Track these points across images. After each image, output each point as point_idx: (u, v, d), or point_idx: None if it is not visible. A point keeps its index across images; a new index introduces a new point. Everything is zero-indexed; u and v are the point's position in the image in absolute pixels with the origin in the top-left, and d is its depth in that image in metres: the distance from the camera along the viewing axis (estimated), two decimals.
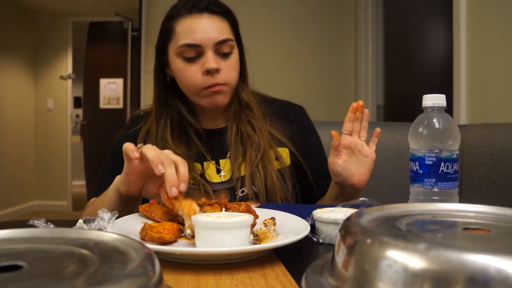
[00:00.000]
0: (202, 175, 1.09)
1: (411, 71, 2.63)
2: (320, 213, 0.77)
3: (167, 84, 1.14)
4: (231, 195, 1.08)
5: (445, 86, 1.96)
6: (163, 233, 0.67)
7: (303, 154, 1.15)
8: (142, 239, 0.68)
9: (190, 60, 1.05)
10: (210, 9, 1.06)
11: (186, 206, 0.73)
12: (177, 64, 1.07)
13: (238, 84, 1.13)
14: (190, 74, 1.05)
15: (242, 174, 1.09)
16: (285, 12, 3.30)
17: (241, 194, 1.08)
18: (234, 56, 1.09)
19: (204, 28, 1.04)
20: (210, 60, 1.03)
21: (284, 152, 1.14)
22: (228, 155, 1.12)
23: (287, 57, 3.34)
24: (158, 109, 1.13)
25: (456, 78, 1.86)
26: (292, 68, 3.34)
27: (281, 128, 1.15)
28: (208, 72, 1.04)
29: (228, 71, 1.07)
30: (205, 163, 1.11)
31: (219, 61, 1.05)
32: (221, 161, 1.12)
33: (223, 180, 1.10)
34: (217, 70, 1.04)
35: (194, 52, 1.04)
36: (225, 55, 1.07)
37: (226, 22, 1.08)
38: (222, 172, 1.11)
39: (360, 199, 0.89)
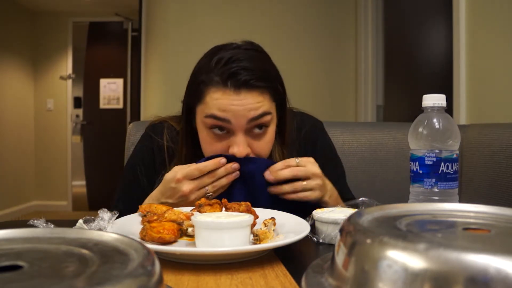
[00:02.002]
0: None
1: (411, 71, 2.63)
2: (320, 213, 0.77)
3: (193, 139, 1.02)
4: None
5: (445, 86, 1.95)
6: (163, 233, 0.67)
7: None
8: (142, 239, 0.68)
9: (216, 134, 0.94)
10: (250, 84, 0.90)
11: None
12: (202, 132, 0.96)
13: (273, 146, 1.02)
14: (213, 150, 0.94)
15: None
16: (284, 12, 3.30)
17: None
18: (271, 129, 0.97)
19: (238, 106, 0.89)
20: (240, 146, 0.91)
21: None
22: None
23: (286, 56, 3.33)
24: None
25: (456, 78, 1.86)
26: (291, 68, 3.34)
27: (296, 154, 1.04)
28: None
29: (260, 149, 0.95)
30: None
31: (250, 141, 0.94)
32: None
33: None
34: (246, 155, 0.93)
35: (222, 126, 0.92)
36: (259, 130, 0.94)
37: (267, 94, 0.93)
38: None
39: (360, 199, 0.89)
